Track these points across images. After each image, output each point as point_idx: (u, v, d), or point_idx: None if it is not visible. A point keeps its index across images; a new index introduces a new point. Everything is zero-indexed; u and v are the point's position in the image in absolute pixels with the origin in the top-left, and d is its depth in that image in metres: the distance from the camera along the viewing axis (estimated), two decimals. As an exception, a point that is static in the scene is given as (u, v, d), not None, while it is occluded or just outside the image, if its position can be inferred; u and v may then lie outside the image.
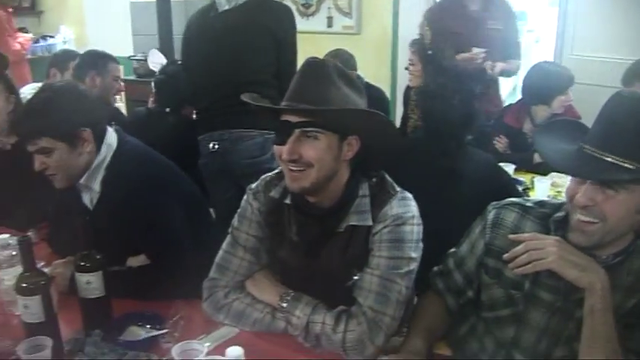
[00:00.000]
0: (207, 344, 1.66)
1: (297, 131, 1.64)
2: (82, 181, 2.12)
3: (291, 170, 1.68)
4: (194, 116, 3.49)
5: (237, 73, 3.08)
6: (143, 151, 2.22)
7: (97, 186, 2.12)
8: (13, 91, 2.76)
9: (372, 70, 4.98)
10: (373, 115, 1.68)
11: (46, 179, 2.54)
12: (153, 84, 3.70)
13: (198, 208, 2.26)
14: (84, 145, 2.07)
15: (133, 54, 6.56)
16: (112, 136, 2.16)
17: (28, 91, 3.97)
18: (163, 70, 3.72)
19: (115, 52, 3.85)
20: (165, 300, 1.89)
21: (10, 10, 6.46)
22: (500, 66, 3.91)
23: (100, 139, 2.11)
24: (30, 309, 1.67)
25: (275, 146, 1.70)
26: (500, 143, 3.60)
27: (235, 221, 1.89)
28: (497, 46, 3.90)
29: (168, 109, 3.56)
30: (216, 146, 3.15)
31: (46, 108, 2.02)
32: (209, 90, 3.19)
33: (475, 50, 3.85)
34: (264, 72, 3.11)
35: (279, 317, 1.77)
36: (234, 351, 1.42)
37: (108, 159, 2.12)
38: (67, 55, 3.92)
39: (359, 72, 4.05)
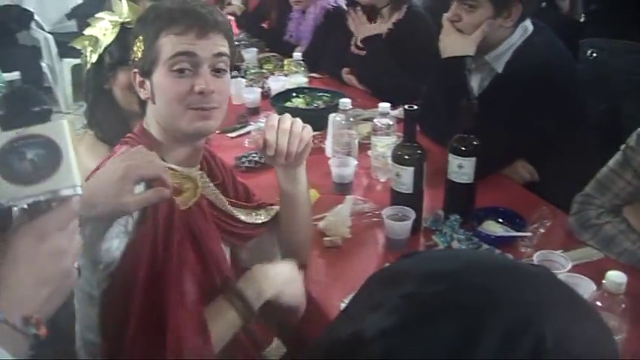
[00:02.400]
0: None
1: None
2: (487, 57, 2.12)
3: None
4: (581, 17, 3.21)
5: None
6: (554, 44, 2.11)
7: (500, 67, 2.10)
8: None
9: None
10: None
11: (419, 63, 2.60)
12: None
13: (577, 114, 2.11)
14: (507, 19, 2.04)
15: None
16: (528, 22, 2.10)
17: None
18: None
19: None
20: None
21: None
22: None
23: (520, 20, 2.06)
24: (401, 178, 1.72)
25: None
26: None
27: (632, 141, 1.66)
28: None
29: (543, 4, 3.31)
30: (595, 54, 2.87)
31: None
32: None
33: None
34: None
35: None
36: (617, 277, 1.25)
37: (519, 43, 2.08)
38: None
39: None
